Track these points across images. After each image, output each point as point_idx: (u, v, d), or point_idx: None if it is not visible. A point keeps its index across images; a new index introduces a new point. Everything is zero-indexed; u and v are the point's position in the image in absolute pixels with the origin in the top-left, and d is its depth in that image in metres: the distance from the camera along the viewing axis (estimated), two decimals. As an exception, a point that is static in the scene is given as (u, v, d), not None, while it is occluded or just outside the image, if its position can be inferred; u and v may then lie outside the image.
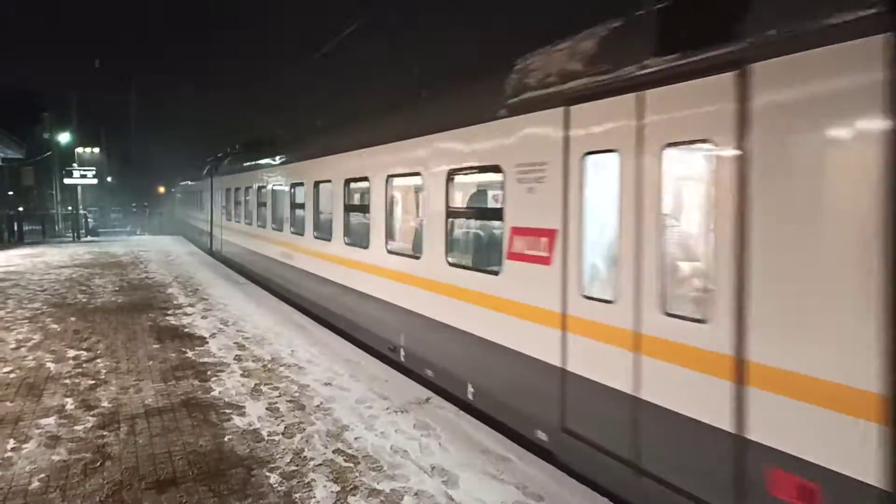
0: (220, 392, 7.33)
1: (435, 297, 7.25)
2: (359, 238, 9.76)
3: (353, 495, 4.85)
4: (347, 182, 10.18)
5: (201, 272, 19.07)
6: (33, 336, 10.08)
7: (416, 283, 7.69)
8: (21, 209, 38.15)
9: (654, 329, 4.35)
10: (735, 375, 3.76)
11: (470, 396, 6.65)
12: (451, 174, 6.96)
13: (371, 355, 9.08)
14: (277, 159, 14.96)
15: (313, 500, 4.78)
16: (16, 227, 32.20)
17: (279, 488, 4.95)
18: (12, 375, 7.88)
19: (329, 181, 10.97)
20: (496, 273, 6.13)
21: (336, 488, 4.96)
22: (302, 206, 12.62)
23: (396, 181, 8.72)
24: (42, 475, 5.13)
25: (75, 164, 36.39)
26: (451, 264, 7.01)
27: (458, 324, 6.82)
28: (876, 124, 3.09)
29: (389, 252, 8.57)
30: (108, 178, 51.70)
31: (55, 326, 10.85)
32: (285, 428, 6.21)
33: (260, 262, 16.22)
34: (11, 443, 5.76)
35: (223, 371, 8.18)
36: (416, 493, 4.89)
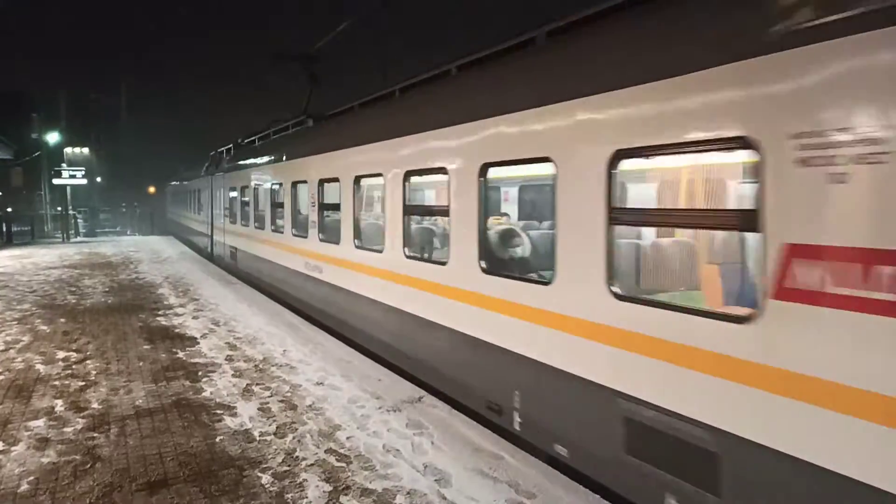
0: (211, 392, 7.29)
1: None
2: None
3: (346, 495, 4.84)
4: None
5: (192, 272, 18.98)
6: (22, 338, 10.00)
7: None
8: (9, 210, 37.86)
9: None
10: None
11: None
12: None
13: (364, 354, 9.07)
14: None
15: (305, 500, 4.77)
16: (4, 228, 31.94)
17: (271, 488, 4.93)
18: (1, 377, 7.82)
19: None
20: None
21: (328, 488, 4.95)
22: None
23: None
24: (31, 478, 5.09)
25: (64, 165, 36.14)
26: None
27: None
28: None
29: None
30: (98, 179, 51.31)
31: (44, 328, 10.77)
32: (277, 428, 6.19)
33: None
34: (0, 445, 5.72)
35: (214, 371, 8.15)
36: (408, 493, 4.88)
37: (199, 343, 9.73)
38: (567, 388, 4.89)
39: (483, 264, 6.08)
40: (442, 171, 6.76)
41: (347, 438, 5.95)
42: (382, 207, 8.69)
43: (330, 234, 10.27)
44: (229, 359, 8.77)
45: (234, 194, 17.70)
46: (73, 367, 8.37)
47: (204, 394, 7.25)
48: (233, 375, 7.97)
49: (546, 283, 5.22)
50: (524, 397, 5.42)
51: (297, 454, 5.57)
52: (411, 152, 7.47)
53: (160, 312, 12.30)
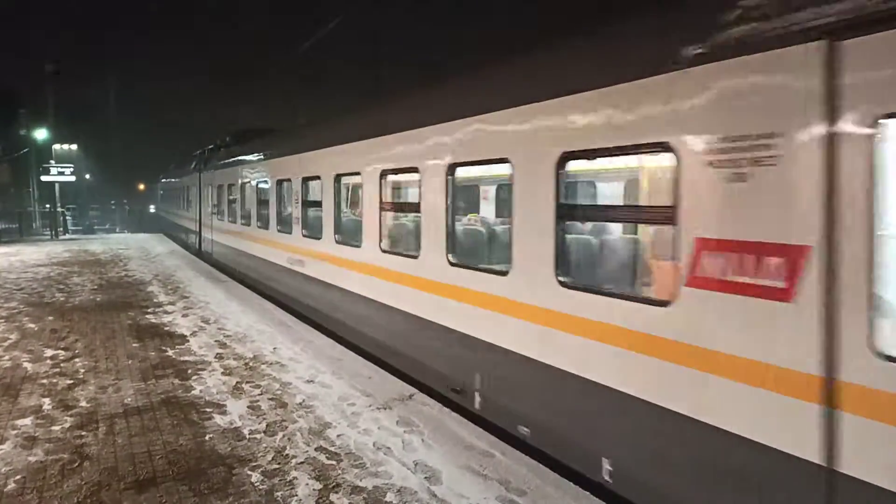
0: (200, 391, 7.26)
1: None
2: None
3: (336, 493, 4.83)
4: None
5: (182, 270, 18.87)
6: (10, 336, 9.91)
7: None
8: (-3, 207, 37.56)
9: None
10: None
11: None
12: None
13: (354, 352, 9.05)
14: None
15: (295, 498, 4.75)
16: (-8, 226, 31.69)
17: (261, 487, 4.92)
18: (-12, 376, 7.75)
19: None
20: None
21: (318, 486, 4.94)
22: None
23: None
24: (18, 476, 5.05)
25: (52, 161, 35.83)
26: None
27: None
28: None
29: None
30: (87, 176, 50.94)
31: (32, 326, 10.68)
32: (267, 426, 6.17)
33: None
34: (-14, 444, 5.67)
35: (204, 369, 8.10)
36: (398, 490, 4.88)
37: (188, 341, 9.67)
38: None
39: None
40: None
41: (338, 436, 5.94)
42: None
43: None
44: (219, 357, 8.73)
45: None
46: (62, 365, 8.30)
47: (193, 392, 7.21)
48: (222, 373, 7.93)
49: None
50: None
51: (287, 452, 5.56)
52: None
53: (149, 310, 12.22)
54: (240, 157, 16.79)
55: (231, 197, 17.45)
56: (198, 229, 22.54)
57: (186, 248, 24.84)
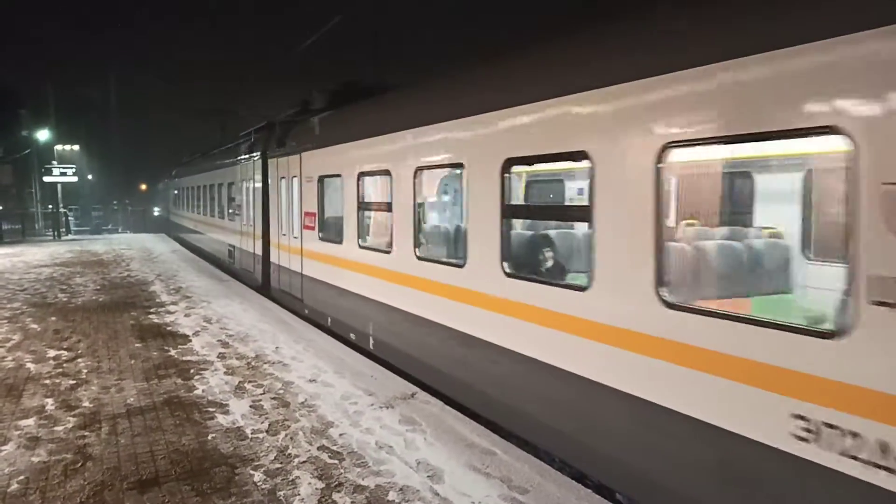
0: (203, 390, 7.27)
1: None
2: None
3: (338, 492, 4.84)
4: None
5: (184, 270, 18.90)
6: (13, 336, 9.93)
7: None
8: (0, 208, 37.63)
9: None
10: None
11: None
12: None
13: (356, 351, 9.06)
14: None
15: (298, 497, 4.76)
16: (-6, 227, 31.71)
17: (263, 486, 4.92)
18: (-9, 377, 7.77)
19: None
20: None
21: (321, 485, 4.94)
22: None
23: None
24: (21, 477, 5.06)
25: (55, 162, 35.89)
26: None
27: None
28: None
29: None
30: (89, 176, 51.00)
31: (35, 326, 10.70)
32: (269, 425, 6.17)
33: None
34: (-10, 445, 5.68)
35: (206, 369, 8.11)
36: (401, 489, 4.88)
37: (191, 341, 9.69)
38: None
39: None
40: None
41: (340, 435, 5.94)
42: None
43: None
44: (221, 356, 8.74)
45: None
46: (64, 365, 8.32)
47: (196, 392, 7.22)
48: (225, 373, 7.94)
49: None
50: None
51: (289, 451, 5.56)
52: None
53: (152, 310, 12.24)
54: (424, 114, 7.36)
55: (364, 199, 9.18)
56: (260, 250, 14.37)
57: (237, 278, 16.55)
